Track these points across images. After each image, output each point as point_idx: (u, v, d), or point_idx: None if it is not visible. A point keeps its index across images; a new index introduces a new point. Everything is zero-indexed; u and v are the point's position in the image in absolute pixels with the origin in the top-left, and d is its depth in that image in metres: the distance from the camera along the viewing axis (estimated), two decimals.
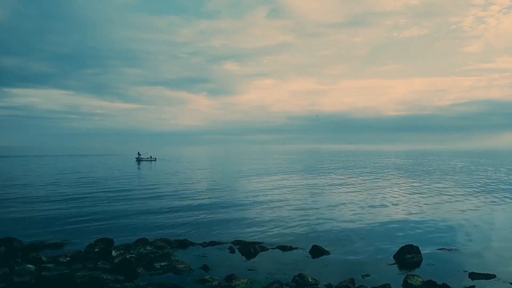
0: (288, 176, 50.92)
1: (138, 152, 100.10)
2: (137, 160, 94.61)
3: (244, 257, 14.23)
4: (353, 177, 49.37)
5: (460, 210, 24.46)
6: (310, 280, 11.25)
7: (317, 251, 14.73)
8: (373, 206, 25.82)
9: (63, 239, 16.30)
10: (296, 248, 15.41)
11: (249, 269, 12.68)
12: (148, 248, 14.84)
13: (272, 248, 15.32)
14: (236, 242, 16.07)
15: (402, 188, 36.83)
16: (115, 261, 12.92)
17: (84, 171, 58.36)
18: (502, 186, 38.71)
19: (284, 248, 15.38)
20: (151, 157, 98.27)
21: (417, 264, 13.41)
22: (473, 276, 12.04)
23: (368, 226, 19.61)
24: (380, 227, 19.51)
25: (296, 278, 11.35)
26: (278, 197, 30.40)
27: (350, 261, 13.77)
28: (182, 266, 12.63)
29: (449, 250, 15.25)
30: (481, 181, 44.02)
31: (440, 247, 15.55)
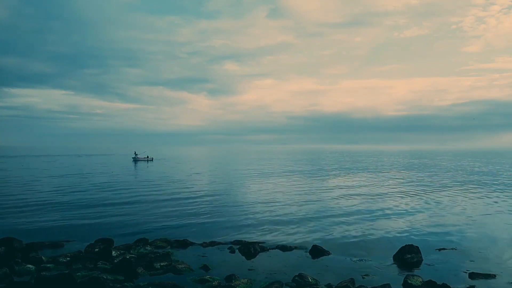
0: (288, 176, 50.91)
1: (135, 152, 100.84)
2: (134, 160, 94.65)
3: (244, 257, 14.23)
4: (353, 177, 49.35)
5: (460, 210, 24.46)
6: (310, 280, 11.24)
7: (317, 251, 14.72)
8: (374, 206, 25.80)
9: (63, 239, 16.29)
10: (296, 248, 15.41)
11: (249, 269, 12.68)
12: (148, 248, 14.84)
13: (272, 248, 15.32)
14: (236, 242, 16.06)
15: (402, 188, 36.81)
16: (115, 261, 12.92)
17: (84, 171, 58.35)
18: (504, 186, 38.70)
19: (284, 248, 15.38)
20: (148, 157, 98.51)
21: (417, 264, 13.41)
22: (473, 276, 12.04)
23: (368, 226, 19.60)
24: (380, 227, 19.50)
25: (296, 278, 11.34)
26: (278, 197, 30.39)
27: (350, 261, 13.77)
28: (182, 266, 12.63)
29: (449, 250, 15.25)
30: (483, 181, 44.00)
31: (440, 247, 15.55)
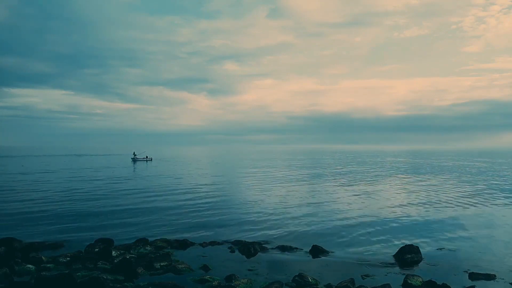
0: (288, 176, 50.90)
1: (134, 152, 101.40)
2: (132, 160, 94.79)
3: (244, 257, 14.23)
4: (353, 177, 49.34)
5: (460, 210, 24.46)
6: (310, 280, 11.24)
7: (317, 251, 14.72)
8: (374, 206, 25.80)
9: (63, 239, 16.29)
10: (296, 248, 15.40)
11: (249, 269, 12.67)
12: (148, 248, 14.84)
13: (272, 248, 15.32)
14: (236, 242, 16.06)
15: (403, 188, 36.82)
16: (115, 261, 12.92)
17: (84, 171, 58.36)
18: (505, 187, 38.69)
19: (284, 248, 15.37)
20: (147, 157, 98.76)
21: (417, 264, 13.41)
22: (473, 276, 12.03)
23: (368, 226, 19.59)
24: (380, 227, 19.50)
25: (296, 278, 11.34)
26: (278, 197, 30.39)
27: (350, 261, 13.76)
28: (182, 266, 12.63)
29: (449, 250, 15.25)
30: (484, 181, 44.00)
31: (440, 247, 15.56)
